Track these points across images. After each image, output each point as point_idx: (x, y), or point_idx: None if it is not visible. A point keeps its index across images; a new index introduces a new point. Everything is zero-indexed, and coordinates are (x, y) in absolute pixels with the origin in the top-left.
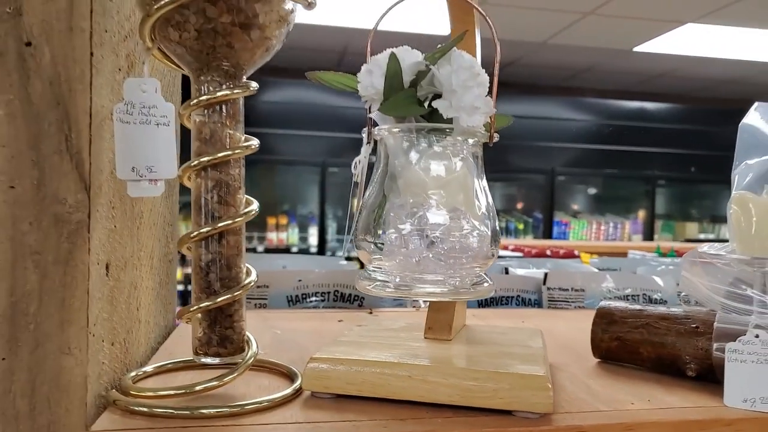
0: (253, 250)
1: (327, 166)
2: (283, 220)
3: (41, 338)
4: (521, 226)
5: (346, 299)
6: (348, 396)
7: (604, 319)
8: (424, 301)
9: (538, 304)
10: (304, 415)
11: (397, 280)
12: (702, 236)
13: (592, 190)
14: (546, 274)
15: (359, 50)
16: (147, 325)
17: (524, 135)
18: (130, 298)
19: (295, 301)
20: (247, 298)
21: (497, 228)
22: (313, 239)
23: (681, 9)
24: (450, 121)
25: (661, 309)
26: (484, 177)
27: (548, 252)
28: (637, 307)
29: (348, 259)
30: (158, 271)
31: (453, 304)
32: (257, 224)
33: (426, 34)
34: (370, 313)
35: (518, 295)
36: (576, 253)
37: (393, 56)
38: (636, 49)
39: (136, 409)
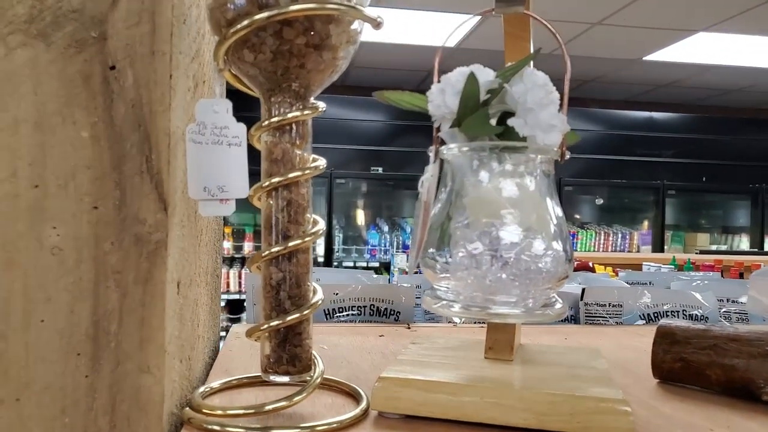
0: None
1: (334, 177)
2: None
3: (122, 357)
4: None
5: (382, 313)
6: (418, 417)
7: (666, 339)
8: (460, 318)
9: (575, 320)
10: None
11: (467, 299)
12: (714, 247)
13: (600, 201)
14: (584, 290)
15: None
16: (203, 341)
17: None
18: (193, 315)
19: (332, 314)
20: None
21: (570, 247)
22: (320, 249)
23: (692, 18)
24: (522, 138)
25: (729, 329)
26: (556, 195)
27: None
28: (701, 326)
29: (376, 272)
30: (210, 288)
31: (514, 325)
32: None
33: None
34: (408, 327)
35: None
36: (590, 264)
37: (472, 76)
38: (646, 58)
39: (210, 427)
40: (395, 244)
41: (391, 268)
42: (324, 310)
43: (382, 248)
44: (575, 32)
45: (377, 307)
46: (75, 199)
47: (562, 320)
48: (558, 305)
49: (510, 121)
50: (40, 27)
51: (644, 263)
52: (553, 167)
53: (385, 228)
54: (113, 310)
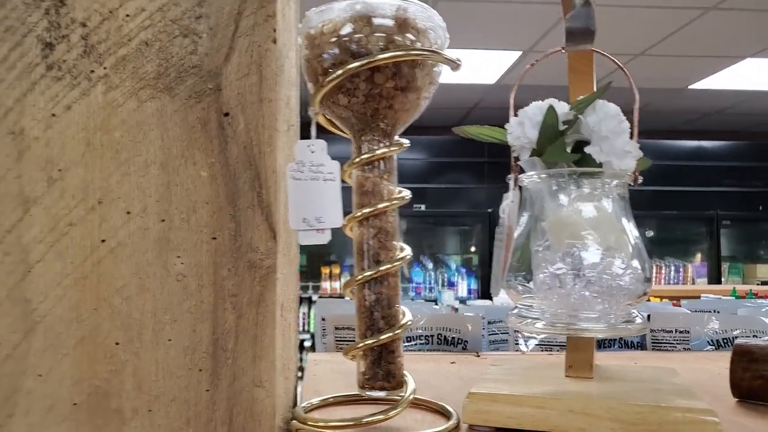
0: (309, 299)
1: None
2: (336, 269)
3: (238, 372)
4: None
5: (450, 342)
6: (507, 429)
7: (744, 357)
8: (527, 346)
9: (641, 346)
10: None
11: (551, 317)
12: None
13: (650, 233)
14: (648, 316)
15: None
16: (294, 362)
17: None
18: (289, 336)
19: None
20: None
21: (648, 266)
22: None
23: (737, 44)
24: (598, 165)
25: None
26: (632, 217)
27: None
28: None
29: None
30: (295, 314)
31: (592, 343)
32: (311, 274)
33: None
34: (477, 355)
35: (621, 338)
36: (647, 299)
37: (551, 109)
38: (691, 86)
39: None
40: (440, 281)
41: (439, 304)
42: None
43: (427, 285)
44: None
45: (444, 336)
46: (196, 230)
47: (626, 347)
48: (638, 320)
49: (587, 149)
50: (166, 82)
51: (703, 295)
52: (628, 191)
53: (429, 265)
54: (230, 330)
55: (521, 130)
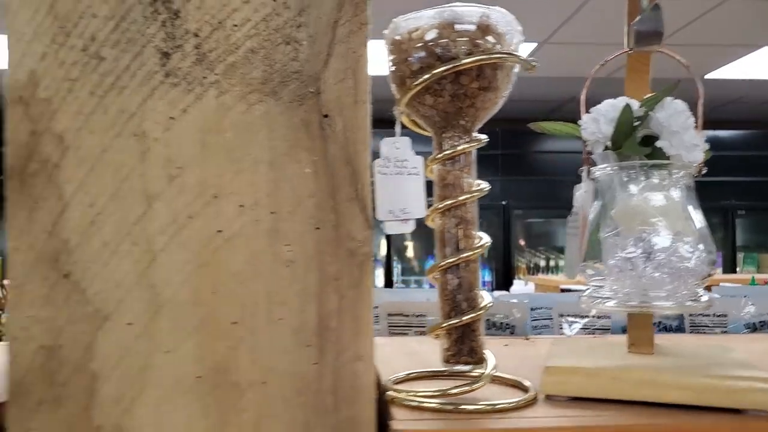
0: None
1: None
2: None
3: (341, 348)
4: None
5: (498, 327)
6: (582, 398)
7: None
8: (571, 330)
9: (679, 329)
10: (554, 411)
11: (623, 297)
12: None
13: None
14: None
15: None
16: None
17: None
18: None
19: None
20: (415, 327)
21: (713, 249)
22: (379, 281)
23: (755, 33)
24: (666, 157)
25: None
26: (698, 205)
27: None
28: None
29: None
30: None
31: (651, 321)
32: None
33: None
34: (527, 339)
35: (660, 321)
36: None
37: (628, 107)
38: (707, 76)
39: (411, 404)
40: None
41: None
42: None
43: None
44: None
45: (493, 321)
46: (302, 222)
47: (665, 330)
48: (704, 298)
49: (658, 143)
50: (271, 86)
51: (721, 283)
52: (693, 181)
53: None
54: (333, 310)
55: (596, 126)
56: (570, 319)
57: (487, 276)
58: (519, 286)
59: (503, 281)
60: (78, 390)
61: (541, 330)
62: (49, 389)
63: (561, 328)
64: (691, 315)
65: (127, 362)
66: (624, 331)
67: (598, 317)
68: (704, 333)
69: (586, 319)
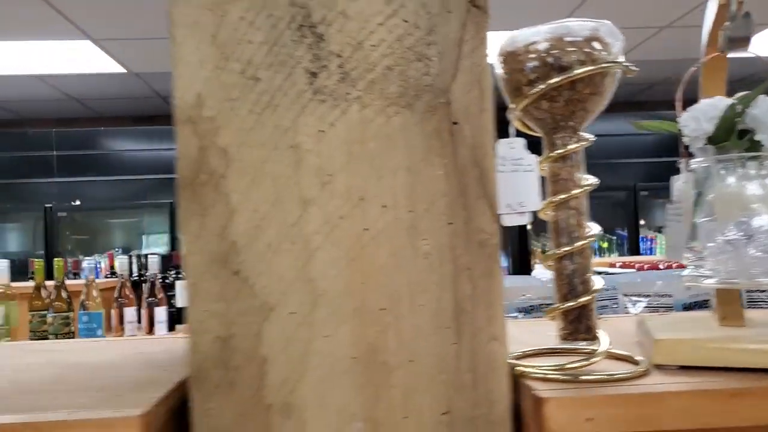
0: None
1: None
2: None
3: (476, 330)
4: (605, 245)
5: None
6: (690, 366)
7: None
8: (636, 308)
9: None
10: (669, 378)
11: (725, 275)
12: None
13: None
14: None
15: None
16: None
17: (601, 153)
18: None
19: (526, 311)
20: None
21: None
22: None
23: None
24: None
25: None
26: None
27: (660, 266)
28: None
29: None
30: None
31: (738, 296)
32: None
33: None
34: (599, 318)
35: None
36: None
37: (732, 106)
38: None
39: (538, 376)
40: None
41: None
42: (518, 308)
43: None
44: (644, 36)
45: None
46: (436, 218)
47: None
48: None
49: (757, 137)
50: (407, 99)
51: None
52: None
53: None
54: (468, 296)
55: (697, 123)
56: (634, 298)
57: (503, 262)
58: (539, 270)
59: (519, 266)
60: (250, 374)
61: (601, 311)
62: (224, 374)
63: (626, 307)
64: (749, 291)
65: (292, 347)
66: (685, 308)
67: (660, 296)
68: (762, 308)
69: (649, 298)
